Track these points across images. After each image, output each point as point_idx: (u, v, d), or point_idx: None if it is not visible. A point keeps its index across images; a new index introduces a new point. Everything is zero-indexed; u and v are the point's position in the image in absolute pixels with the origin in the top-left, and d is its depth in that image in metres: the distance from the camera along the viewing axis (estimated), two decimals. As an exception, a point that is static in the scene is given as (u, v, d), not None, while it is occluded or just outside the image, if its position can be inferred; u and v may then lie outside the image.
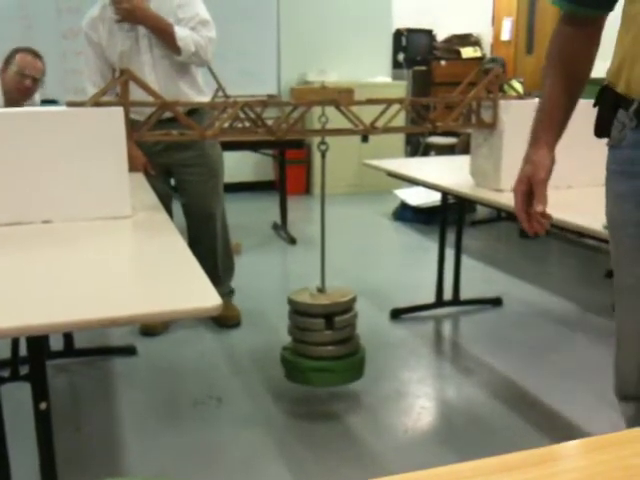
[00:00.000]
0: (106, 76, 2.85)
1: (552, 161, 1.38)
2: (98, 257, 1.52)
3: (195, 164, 3.01)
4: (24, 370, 1.52)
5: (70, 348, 2.77)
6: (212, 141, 2.99)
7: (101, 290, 1.27)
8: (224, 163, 3.16)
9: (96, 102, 1.82)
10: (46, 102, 4.87)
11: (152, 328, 3.02)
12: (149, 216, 1.91)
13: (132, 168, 2.34)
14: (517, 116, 2.31)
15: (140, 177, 2.62)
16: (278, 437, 2.24)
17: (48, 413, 1.47)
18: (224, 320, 3.14)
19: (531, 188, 1.38)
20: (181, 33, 2.80)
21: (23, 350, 1.65)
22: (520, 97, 2.42)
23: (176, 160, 2.99)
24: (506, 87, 2.60)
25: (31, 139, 1.77)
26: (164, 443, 2.19)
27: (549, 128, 1.37)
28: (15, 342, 2.15)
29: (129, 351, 2.84)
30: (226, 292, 3.23)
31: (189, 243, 3.10)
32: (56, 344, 2.74)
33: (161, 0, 2.83)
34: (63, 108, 1.85)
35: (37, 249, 1.60)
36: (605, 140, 1.33)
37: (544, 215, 1.37)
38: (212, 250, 3.13)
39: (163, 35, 2.80)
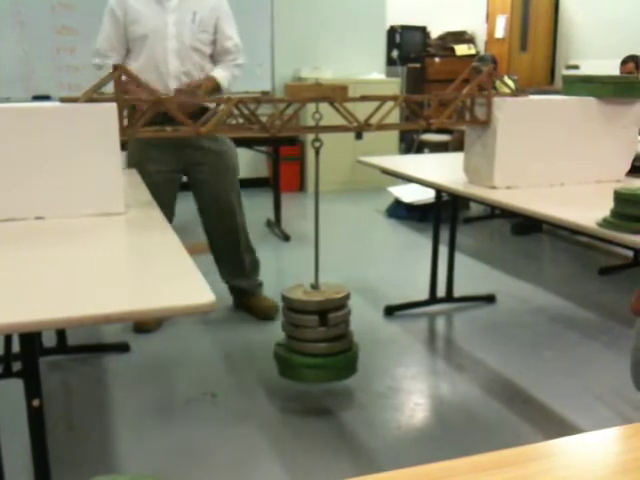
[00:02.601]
0: (116, 48, 2.88)
1: None
2: (91, 254, 1.51)
3: (209, 162, 2.99)
4: (17, 367, 1.52)
5: (63, 345, 2.77)
6: (225, 136, 3.00)
7: (94, 287, 1.27)
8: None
9: (89, 98, 1.81)
10: (39, 98, 4.86)
11: (145, 325, 3.01)
12: (142, 213, 1.91)
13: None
14: (511, 113, 2.31)
15: (133, 173, 2.61)
16: (272, 433, 2.24)
17: (41, 410, 1.46)
18: (264, 313, 3.17)
19: None
20: (224, 83, 2.92)
21: (16, 347, 1.65)
22: (514, 94, 2.42)
23: (192, 157, 2.97)
24: (498, 84, 2.61)
25: (24, 135, 1.76)
26: (158, 440, 2.19)
27: None
28: (8, 339, 2.14)
29: (122, 348, 2.83)
30: (255, 285, 3.24)
31: (210, 241, 3.13)
32: (49, 341, 2.73)
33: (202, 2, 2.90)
34: (56, 104, 1.84)
35: (29, 245, 1.59)
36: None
37: None
38: (235, 246, 3.13)
39: (212, 93, 2.89)
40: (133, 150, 2.95)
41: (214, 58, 3.00)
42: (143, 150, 2.90)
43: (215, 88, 2.90)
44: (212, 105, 2.86)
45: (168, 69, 2.83)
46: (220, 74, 2.94)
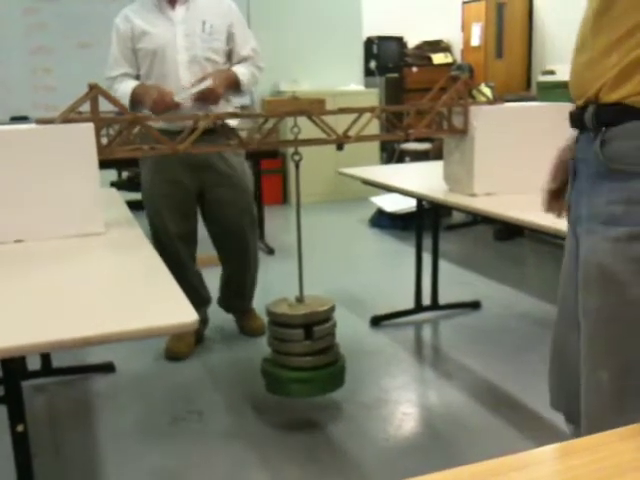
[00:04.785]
0: (129, 59, 2.76)
1: None
2: (72, 276, 1.50)
3: (224, 184, 2.89)
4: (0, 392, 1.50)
5: (48, 367, 2.74)
6: (240, 156, 2.94)
7: (75, 309, 1.26)
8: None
9: (66, 119, 1.80)
10: (16, 119, 4.84)
11: (178, 353, 2.93)
12: (122, 232, 1.90)
13: (160, 106, 2.57)
14: (487, 122, 2.33)
15: (112, 192, 2.60)
16: (260, 449, 2.23)
17: (25, 435, 1.45)
18: (253, 331, 3.16)
19: None
20: (244, 79, 2.80)
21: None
22: (490, 103, 2.44)
23: (207, 179, 2.87)
24: (475, 92, 2.63)
25: (0, 157, 1.74)
26: (145, 460, 2.17)
27: None
28: (-10, 364, 2.11)
29: (108, 368, 2.80)
30: (250, 305, 3.23)
31: (221, 262, 3.10)
32: (33, 364, 2.70)
33: (215, 3, 2.82)
34: (33, 125, 1.83)
35: (9, 269, 1.58)
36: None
37: None
38: (244, 269, 3.10)
39: (232, 89, 2.81)
40: (147, 172, 2.86)
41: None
42: (158, 172, 2.81)
43: (233, 81, 2.78)
44: (234, 122, 2.70)
45: (180, 83, 2.68)
46: (239, 69, 2.81)
